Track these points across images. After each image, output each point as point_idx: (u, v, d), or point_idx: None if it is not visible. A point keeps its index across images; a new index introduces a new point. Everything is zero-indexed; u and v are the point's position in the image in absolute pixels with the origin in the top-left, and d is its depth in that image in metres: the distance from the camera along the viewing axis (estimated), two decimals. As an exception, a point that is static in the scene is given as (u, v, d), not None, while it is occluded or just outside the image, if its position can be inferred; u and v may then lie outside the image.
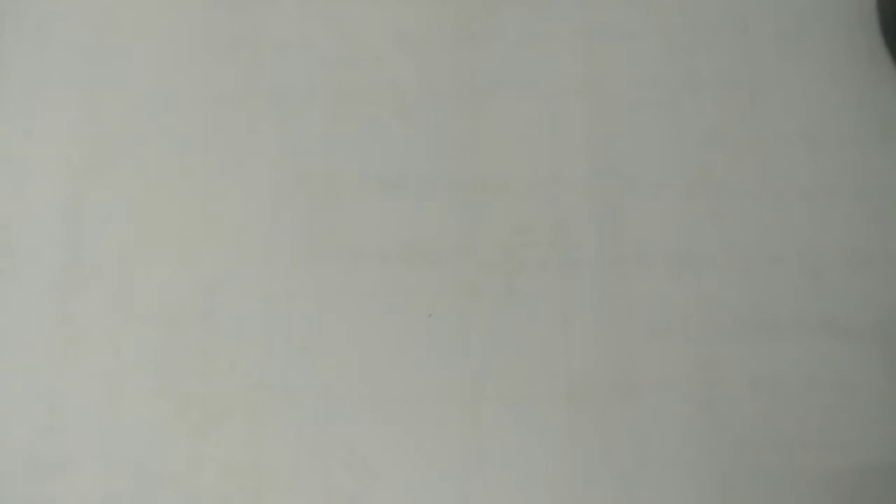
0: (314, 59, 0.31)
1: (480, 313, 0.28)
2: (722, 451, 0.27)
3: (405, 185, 0.30)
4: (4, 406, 0.28)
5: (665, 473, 0.26)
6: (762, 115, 0.30)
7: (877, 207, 0.30)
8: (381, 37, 0.31)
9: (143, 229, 0.30)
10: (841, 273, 0.29)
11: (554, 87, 0.31)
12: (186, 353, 0.28)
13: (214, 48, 0.31)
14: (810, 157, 0.30)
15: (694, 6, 0.31)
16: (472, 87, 0.31)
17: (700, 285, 0.29)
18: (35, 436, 0.28)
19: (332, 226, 0.29)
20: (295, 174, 0.30)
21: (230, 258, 0.29)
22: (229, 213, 0.30)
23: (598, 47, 0.31)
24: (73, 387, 0.28)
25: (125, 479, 0.27)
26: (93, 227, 0.30)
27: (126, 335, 0.28)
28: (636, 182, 0.29)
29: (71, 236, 0.30)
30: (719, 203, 0.29)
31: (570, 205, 0.29)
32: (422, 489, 0.26)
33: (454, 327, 0.28)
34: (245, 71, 0.31)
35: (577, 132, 0.30)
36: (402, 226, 0.29)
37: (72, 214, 0.30)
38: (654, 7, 0.31)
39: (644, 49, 0.31)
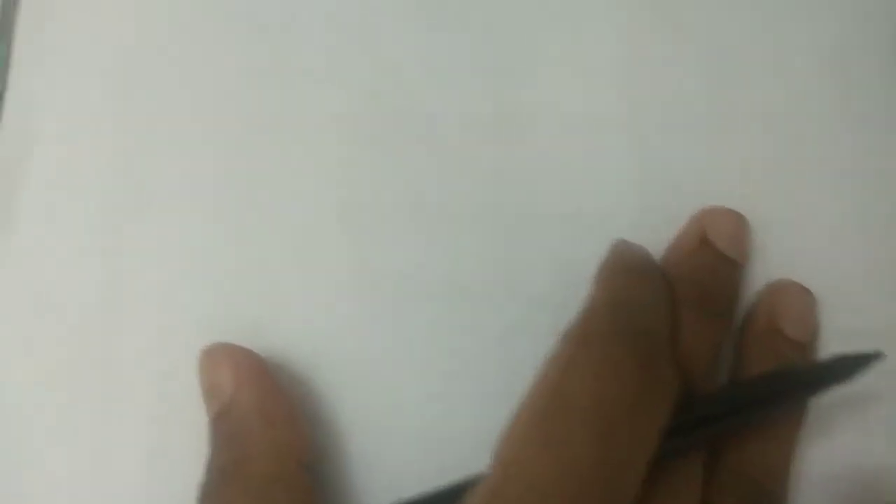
0: (349, 90, 0.30)
1: (528, 350, 0.27)
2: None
3: (447, 218, 0.29)
4: (48, 458, 0.28)
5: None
6: (803, 147, 0.30)
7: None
8: (416, 68, 0.30)
9: (179, 265, 0.29)
10: (883, 308, 0.29)
11: (594, 118, 0.30)
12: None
13: (246, 79, 0.30)
14: (852, 190, 0.30)
15: (731, 36, 0.31)
16: (511, 119, 0.30)
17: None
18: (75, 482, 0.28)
19: (372, 260, 0.29)
20: (333, 208, 0.29)
21: (270, 295, 0.29)
22: (265, 248, 0.29)
23: (637, 78, 0.30)
24: (115, 419, 0.28)
25: None
26: (129, 262, 0.29)
27: (168, 374, 0.28)
28: (680, 215, 0.29)
29: (107, 272, 0.29)
30: (763, 237, 0.29)
31: (614, 238, 0.28)
32: None
33: (500, 364, 0.28)
34: (277, 102, 0.30)
35: (618, 164, 0.30)
36: (445, 260, 0.29)
37: (108, 249, 0.29)
38: (693, 37, 0.31)
39: (683, 80, 0.30)
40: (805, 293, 0.28)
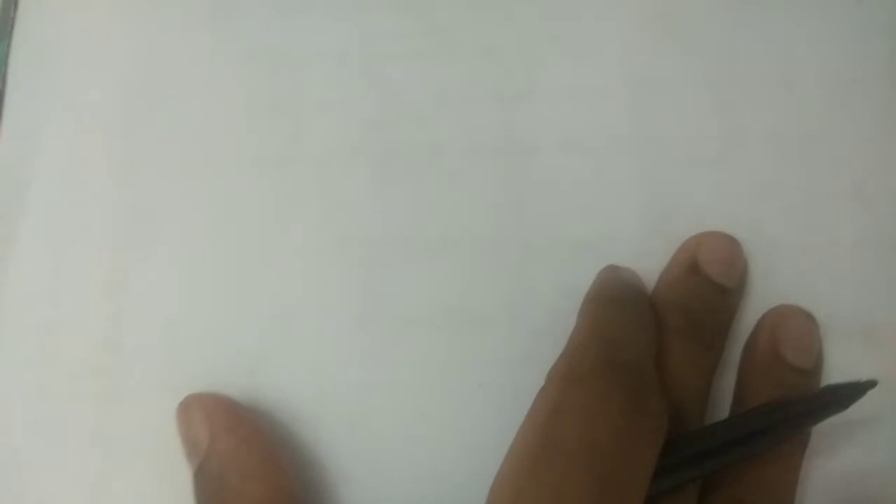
0: (356, 121, 0.30)
1: (533, 381, 0.27)
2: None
3: (451, 247, 0.29)
4: (49, 493, 0.28)
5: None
6: (811, 169, 0.29)
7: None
8: (422, 96, 0.30)
9: (185, 300, 0.29)
10: (893, 334, 0.28)
11: (600, 142, 0.30)
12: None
13: (254, 111, 0.30)
14: (861, 210, 0.29)
15: (738, 57, 0.30)
16: (517, 145, 0.30)
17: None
18: None
19: (378, 292, 0.29)
20: (339, 239, 0.29)
21: (276, 328, 0.28)
22: (273, 282, 0.29)
23: (644, 100, 0.30)
24: (117, 466, 0.28)
25: None
26: (134, 299, 0.29)
27: (170, 410, 0.27)
28: (687, 237, 0.29)
29: (112, 310, 0.29)
30: (771, 260, 0.29)
31: (621, 265, 0.28)
32: None
33: (506, 396, 0.27)
34: (285, 133, 0.30)
35: (626, 188, 0.29)
36: (450, 291, 0.29)
37: (112, 287, 0.29)
38: (699, 57, 0.30)
39: (690, 102, 0.30)
40: (807, 318, 0.27)
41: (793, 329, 0.27)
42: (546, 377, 0.24)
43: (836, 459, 0.27)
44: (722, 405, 0.27)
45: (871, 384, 0.24)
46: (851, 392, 0.24)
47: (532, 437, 0.22)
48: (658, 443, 0.23)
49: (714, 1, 0.31)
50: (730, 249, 0.28)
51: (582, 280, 0.28)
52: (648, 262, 0.28)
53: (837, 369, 0.28)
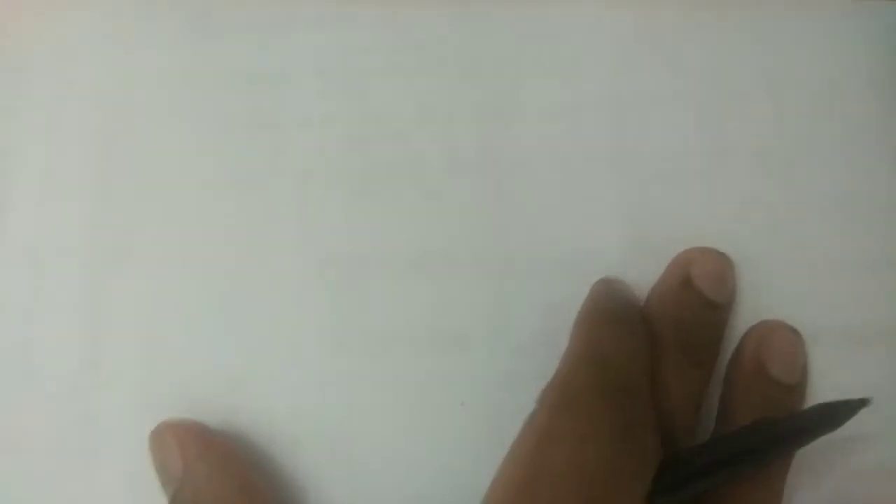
0: (336, 138, 0.29)
1: (514, 400, 0.27)
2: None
3: (433, 265, 0.28)
4: None
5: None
6: (796, 184, 0.29)
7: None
8: (404, 113, 0.30)
9: (164, 321, 0.28)
10: (880, 349, 0.28)
11: (583, 159, 0.29)
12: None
13: (233, 127, 0.30)
14: (847, 226, 0.29)
15: (723, 72, 0.30)
16: (499, 162, 0.29)
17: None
18: None
19: (358, 310, 0.28)
20: (318, 257, 0.28)
21: (255, 349, 0.28)
22: (252, 301, 0.28)
23: (627, 116, 0.30)
24: (95, 480, 0.27)
25: None
26: (112, 319, 0.28)
27: (148, 433, 0.26)
28: (671, 255, 0.28)
29: (90, 329, 0.28)
30: (755, 276, 0.28)
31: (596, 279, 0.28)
32: None
33: (487, 416, 0.27)
34: (264, 150, 0.29)
35: (609, 205, 0.29)
36: (431, 309, 0.28)
37: (90, 306, 0.28)
38: (684, 74, 0.30)
39: (674, 117, 0.30)
40: (792, 333, 0.27)
41: (777, 344, 0.27)
42: (537, 400, 0.23)
43: (823, 477, 0.27)
44: (710, 419, 0.27)
45: (864, 403, 0.24)
46: (843, 411, 0.24)
47: (521, 461, 0.22)
48: (650, 466, 0.22)
49: (697, 15, 0.31)
50: (721, 265, 0.28)
51: (563, 298, 0.28)
52: (631, 279, 0.28)
53: (825, 383, 0.27)
